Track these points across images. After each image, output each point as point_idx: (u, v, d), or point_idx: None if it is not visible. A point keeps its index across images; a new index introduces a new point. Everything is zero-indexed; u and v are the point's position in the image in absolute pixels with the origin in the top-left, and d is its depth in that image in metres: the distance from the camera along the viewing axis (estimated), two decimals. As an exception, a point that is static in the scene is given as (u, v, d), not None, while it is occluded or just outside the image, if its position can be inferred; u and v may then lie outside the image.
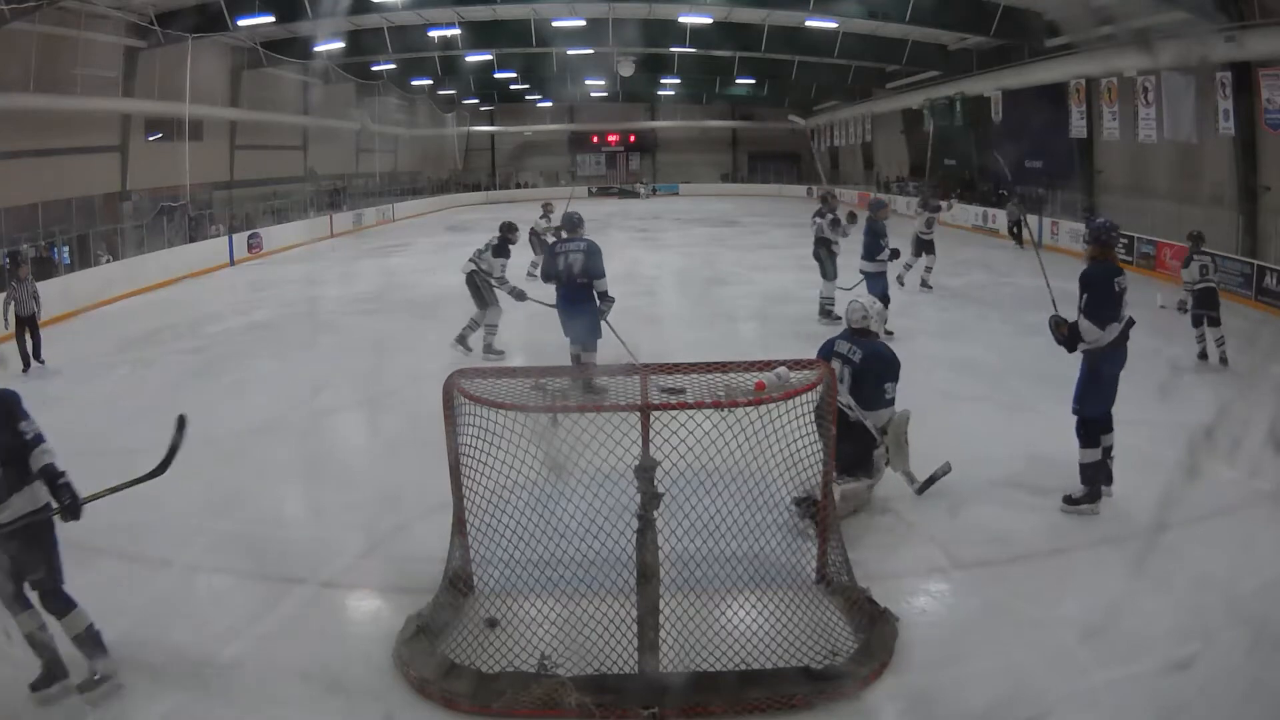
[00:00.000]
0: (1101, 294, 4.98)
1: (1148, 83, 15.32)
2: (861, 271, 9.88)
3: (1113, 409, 5.17)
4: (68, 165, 17.17)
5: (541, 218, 13.56)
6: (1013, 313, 11.46)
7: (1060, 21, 17.97)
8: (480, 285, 9.07)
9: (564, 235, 7.92)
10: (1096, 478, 5.14)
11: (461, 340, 9.13)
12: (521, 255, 11.26)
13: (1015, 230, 18.89)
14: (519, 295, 8.90)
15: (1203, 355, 8.76)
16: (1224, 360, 8.63)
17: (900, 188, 28.87)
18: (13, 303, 9.62)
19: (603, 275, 7.41)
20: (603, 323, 7.52)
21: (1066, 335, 5.14)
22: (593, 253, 7.45)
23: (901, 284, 12.29)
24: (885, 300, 9.43)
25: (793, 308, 11.33)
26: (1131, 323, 5.14)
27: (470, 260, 9.17)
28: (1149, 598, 4.15)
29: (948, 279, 13.53)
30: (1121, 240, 4.46)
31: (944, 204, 14.82)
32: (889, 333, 9.38)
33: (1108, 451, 5.23)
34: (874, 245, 9.71)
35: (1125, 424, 6.24)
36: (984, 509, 5.23)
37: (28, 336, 9.61)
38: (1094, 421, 5.14)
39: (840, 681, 3.58)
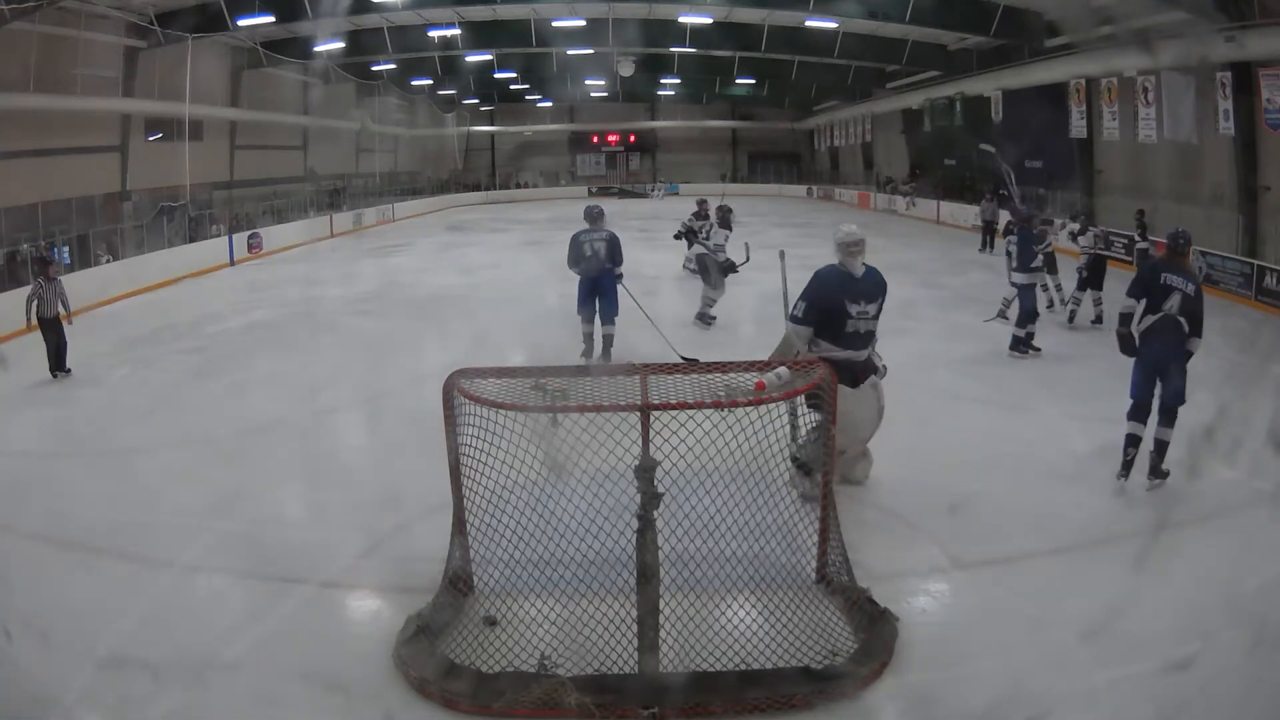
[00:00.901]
0: (1140, 278, 5.71)
1: (1148, 83, 15.33)
2: (1013, 284, 9.50)
3: (1179, 404, 5.42)
4: (68, 165, 17.15)
5: (695, 214, 13.44)
6: (1013, 313, 11.44)
7: (1060, 21, 17.97)
8: (710, 264, 10.33)
9: (587, 226, 8.80)
10: (1127, 448, 5.48)
11: (701, 318, 10.37)
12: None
13: (988, 234, 17.99)
14: (732, 267, 10.45)
15: (1072, 318, 10.45)
16: (1099, 320, 10.13)
17: (901, 189, 28.87)
18: (35, 302, 9.30)
19: (621, 261, 8.66)
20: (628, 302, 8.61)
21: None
22: (614, 242, 8.60)
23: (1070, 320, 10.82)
24: (1033, 316, 9.30)
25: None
26: (1180, 326, 5.41)
27: (698, 244, 10.41)
28: (1149, 598, 4.14)
29: (948, 278, 13.54)
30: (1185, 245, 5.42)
31: (1056, 221, 12.62)
32: (1036, 349, 9.19)
33: (1137, 444, 5.48)
34: (1027, 253, 9.39)
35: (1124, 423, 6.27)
36: (984, 509, 5.22)
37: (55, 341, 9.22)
38: (1131, 401, 5.53)
39: (840, 681, 3.58)
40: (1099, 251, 10.59)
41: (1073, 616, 4.02)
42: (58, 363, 9.26)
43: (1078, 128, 18.46)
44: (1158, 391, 5.47)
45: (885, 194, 29.55)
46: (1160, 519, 5.02)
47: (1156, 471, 5.43)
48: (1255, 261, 12.58)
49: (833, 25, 21.33)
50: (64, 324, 9.38)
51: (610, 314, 8.69)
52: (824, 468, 4.30)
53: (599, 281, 8.58)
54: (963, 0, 18.82)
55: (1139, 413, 5.49)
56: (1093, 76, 17.46)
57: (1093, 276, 10.45)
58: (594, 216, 8.74)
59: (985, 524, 5.03)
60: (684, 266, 13.62)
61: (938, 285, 13.26)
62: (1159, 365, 5.42)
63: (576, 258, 8.58)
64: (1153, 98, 15.25)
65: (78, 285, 13.43)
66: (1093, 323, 10.32)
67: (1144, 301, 5.53)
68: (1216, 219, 14.15)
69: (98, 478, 6.30)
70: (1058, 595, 4.28)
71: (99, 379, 9.30)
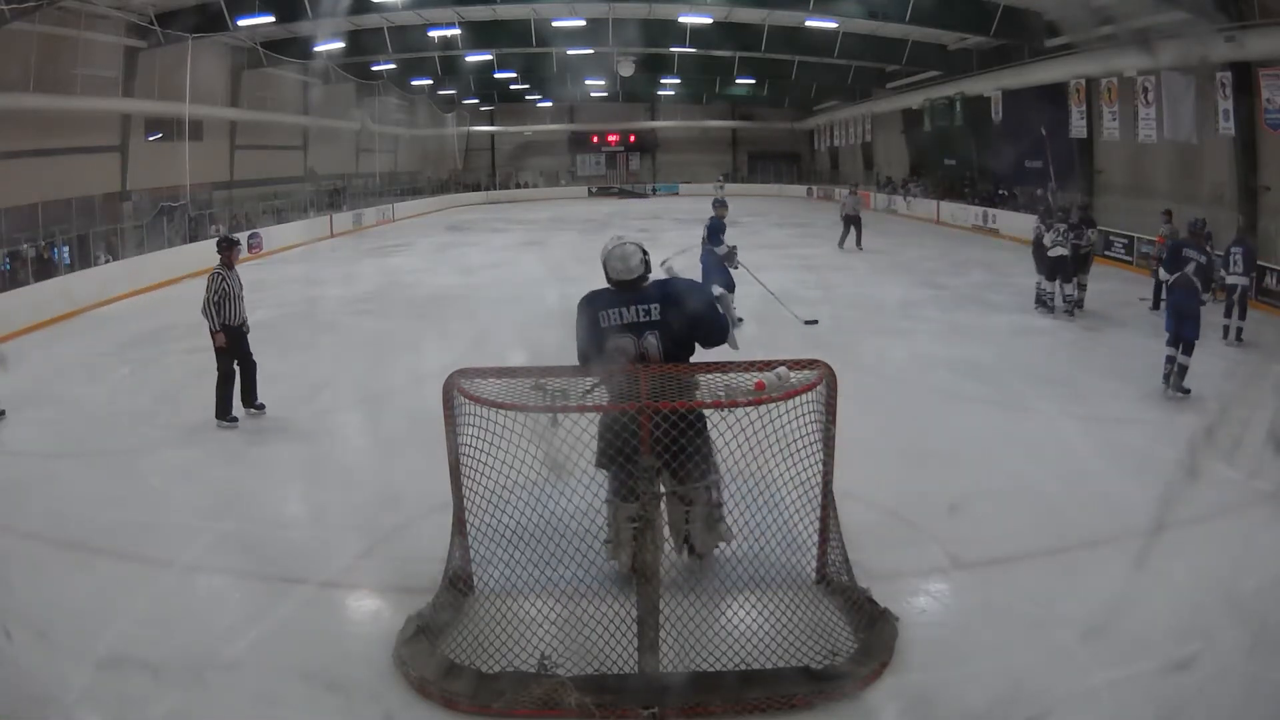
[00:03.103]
0: (1168, 253, 8.15)
1: (1148, 83, 15.31)
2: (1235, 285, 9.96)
3: (1193, 339, 7.49)
4: (68, 165, 17.16)
5: (1041, 223, 12.80)
6: (1013, 313, 11.46)
7: (1060, 21, 17.97)
8: (1075, 258, 11.20)
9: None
10: (1166, 366, 7.61)
11: (1068, 309, 11.27)
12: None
13: (852, 228, 17.25)
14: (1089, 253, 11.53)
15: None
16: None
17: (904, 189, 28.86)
18: (222, 301, 6.96)
19: (720, 243, 10.16)
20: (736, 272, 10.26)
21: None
22: (712, 226, 10.21)
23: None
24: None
25: (793, 308, 11.33)
26: (1194, 284, 7.50)
27: (1057, 245, 11.17)
28: (1149, 598, 4.14)
29: (948, 279, 13.54)
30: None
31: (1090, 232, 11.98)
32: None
33: (1173, 362, 7.51)
34: (1252, 258, 10.28)
35: (1125, 423, 6.30)
36: (984, 509, 5.23)
37: (235, 366, 7.07)
38: (1167, 333, 7.65)
39: (840, 681, 3.58)
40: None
41: (1073, 616, 4.02)
42: (244, 395, 7.22)
43: (1078, 128, 18.44)
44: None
45: (886, 194, 29.55)
46: (1160, 519, 5.02)
47: (1179, 387, 7.44)
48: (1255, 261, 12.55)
49: (833, 25, 21.32)
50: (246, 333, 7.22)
51: (724, 283, 9.98)
52: (825, 469, 4.29)
53: (703, 256, 10.18)
54: (963, 0, 18.82)
55: (1173, 340, 7.58)
56: (1093, 76, 17.45)
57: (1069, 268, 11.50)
58: (714, 204, 10.69)
59: (985, 524, 5.04)
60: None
61: (938, 285, 13.26)
62: (1179, 308, 7.58)
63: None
64: (1153, 98, 15.23)
65: (78, 285, 13.50)
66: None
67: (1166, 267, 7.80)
68: (1217, 219, 14.12)
69: (98, 478, 6.30)
70: (1058, 595, 4.28)
71: (99, 379, 9.30)
